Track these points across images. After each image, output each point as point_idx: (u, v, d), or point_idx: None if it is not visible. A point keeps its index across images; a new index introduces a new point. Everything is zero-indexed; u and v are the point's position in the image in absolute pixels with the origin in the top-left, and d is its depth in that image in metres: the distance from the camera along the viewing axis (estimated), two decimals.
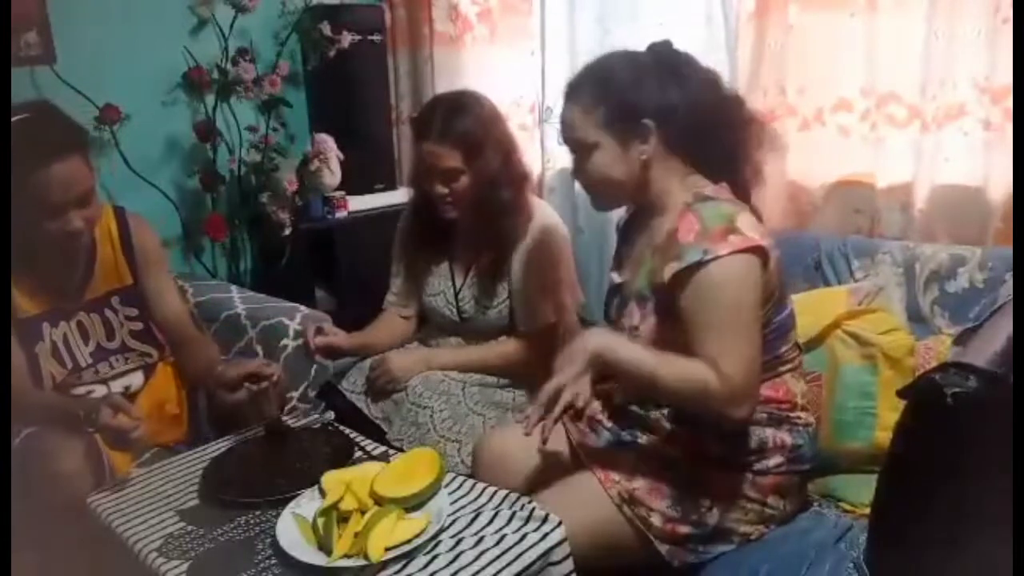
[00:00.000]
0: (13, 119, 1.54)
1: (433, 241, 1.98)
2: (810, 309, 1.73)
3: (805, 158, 2.20)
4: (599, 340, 1.36)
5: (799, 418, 1.44)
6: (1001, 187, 1.87)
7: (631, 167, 1.41)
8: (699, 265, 1.29)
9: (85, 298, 1.75)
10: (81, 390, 1.73)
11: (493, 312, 1.90)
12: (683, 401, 1.35)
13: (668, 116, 1.38)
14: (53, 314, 1.70)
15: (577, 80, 1.47)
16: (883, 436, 1.51)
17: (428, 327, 2.07)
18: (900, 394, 1.15)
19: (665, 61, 1.42)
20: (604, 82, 1.42)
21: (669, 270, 1.33)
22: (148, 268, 1.84)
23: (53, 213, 1.56)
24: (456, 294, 1.95)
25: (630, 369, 1.34)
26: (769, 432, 1.40)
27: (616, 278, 1.54)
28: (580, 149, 1.44)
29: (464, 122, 1.79)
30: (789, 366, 1.44)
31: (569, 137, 1.47)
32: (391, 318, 2.07)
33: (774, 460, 1.40)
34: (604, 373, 1.42)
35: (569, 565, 1.29)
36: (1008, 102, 1.82)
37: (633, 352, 1.35)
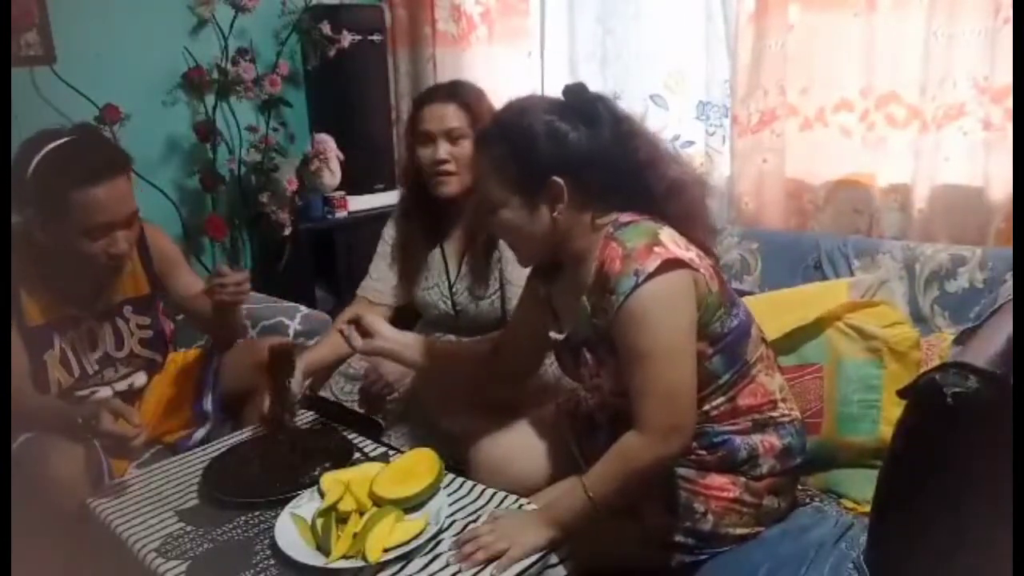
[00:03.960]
0: (60, 141, 1.55)
1: (426, 233, 1.96)
2: (808, 301, 1.72)
3: (806, 158, 2.20)
4: (536, 537, 1.25)
5: (783, 415, 1.43)
6: (1001, 187, 1.87)
7: (542, 224, 1.34)
8: (635, 290, 1.24)
9: (98, 307, 1.75)
10: (84, 391, 1.72)
11: (485, 303, 1.90)
12: (630, 483, 1.28)
13: (581, 168, 1.31)
14: (64, 322, 1.69)
15: (489, 131, 1.40)
16: (886, 431, 1.49)
17: (422, 323, 2.06)
18: (900, 394, 1.15)
19: (578, 106, 1.34)
20: (516, 136, 1.33)
21: (611, 305, 1.27)
22: (170, 272, 1.85)
23: (100, 233, 1.57)
24: (451, 286, 1.95)
25: (578, 518, 1.27)
26: (756, 438, 1.39)
27: (556, 335, 1.47)
28: (487, 203, 1.39)
29: (469, 89, 1.86)
30: (760, 365, 1.42)
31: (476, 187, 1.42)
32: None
33: (767, 465, 1.39)
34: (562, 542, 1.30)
35: (568, 567, 1.29)
36: (1008, 102, 1.82)
37: (566, 503, 1.29)
